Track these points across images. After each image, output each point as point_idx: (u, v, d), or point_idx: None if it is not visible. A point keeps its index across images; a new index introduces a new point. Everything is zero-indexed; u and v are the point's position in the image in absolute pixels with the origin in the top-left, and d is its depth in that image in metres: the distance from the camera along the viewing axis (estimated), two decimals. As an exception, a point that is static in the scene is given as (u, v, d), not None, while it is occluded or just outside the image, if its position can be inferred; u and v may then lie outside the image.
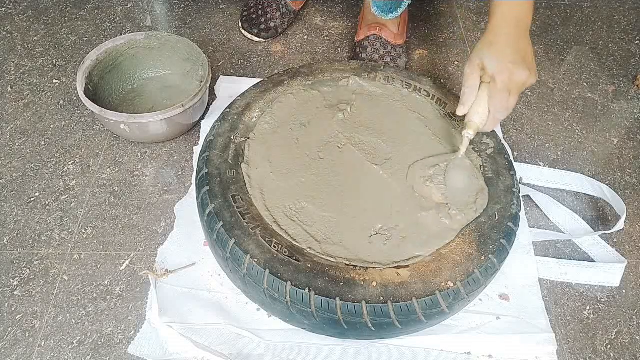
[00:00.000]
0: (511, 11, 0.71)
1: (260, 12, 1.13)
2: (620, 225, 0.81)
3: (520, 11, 0.72)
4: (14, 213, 0.82)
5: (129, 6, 1.20)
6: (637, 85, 1.11)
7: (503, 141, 0.84)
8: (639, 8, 1.31)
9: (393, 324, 0.62)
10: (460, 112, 0.74)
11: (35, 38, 1.11)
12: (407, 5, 0.99)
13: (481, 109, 0.73)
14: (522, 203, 0.77)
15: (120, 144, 0.93)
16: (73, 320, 0.71)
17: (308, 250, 0.66)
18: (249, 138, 0.78)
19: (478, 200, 0.72)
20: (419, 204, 0.72)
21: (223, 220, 0.67)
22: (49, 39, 1.11)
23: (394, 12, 1.00)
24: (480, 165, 0.77)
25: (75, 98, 0.99)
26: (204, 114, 0.96)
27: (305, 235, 0.68)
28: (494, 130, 0.82)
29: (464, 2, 1.29)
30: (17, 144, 0.92)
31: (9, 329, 0.70)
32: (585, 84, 1.11)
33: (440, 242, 0.68)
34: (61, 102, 0.99)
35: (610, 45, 1.20)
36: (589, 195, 0.90)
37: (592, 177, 0.90)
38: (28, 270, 0.76)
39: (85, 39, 1.12)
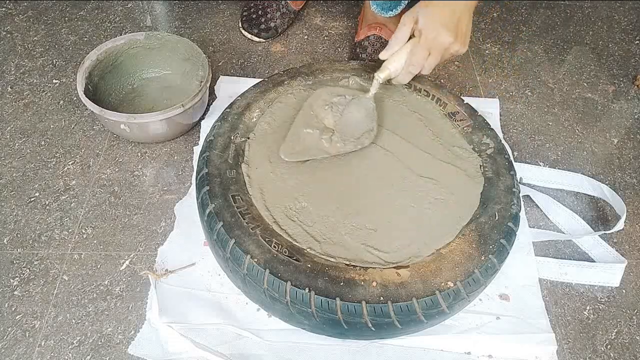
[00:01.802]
0: None
1: (260, 12, 1.13)
2: (620, 225, 0.81)
3: None
4: (14, 213, 0.82)
5: (129, 6, 1.20)
6: (637, 85, 1.11)
7: (503, 141, 0.84)
8: (639, 8, 1.31)
9: (393, 324, 0.62)
10: (382, 56, 0.77)
11: (35, 38, 1.11)
12: (406, 3, 0.99)
13: (399, 58, 0.76)
14: (522, 203, 0.77)
15: (120, 144, 0.93)
16: (73, 320, 0.71)
17: (308, 250, 0.66)
18: (249, 138, 0.78)
19: (361, 138, 0.75)
20: (308, 121, 0.75)
21: (223, 220, 0.67)
22: (49, 39, 1.11)
23: (394, 10, 1.01)
24: (480, 165, 0.77)
25: (75, 98, 0.99)
26: (204, 114, 0.96)
27: (305, 235, 0.68)
28: (493, 130, 0.82)
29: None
30: (17, 144, 0.92)
31: (9, 329, 0.70)
32: (585, 84, 1.11)
33: (440, 242, 0.68)
34: (61, 102, 0.99)
35: (610, 45, 1.20)
36: (589, 195, 0.90)
37: (592, 177, 0.90)
38: (28, 270, 0.76)
39: (85, 39, 1.12)
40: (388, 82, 0.81)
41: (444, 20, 0.71)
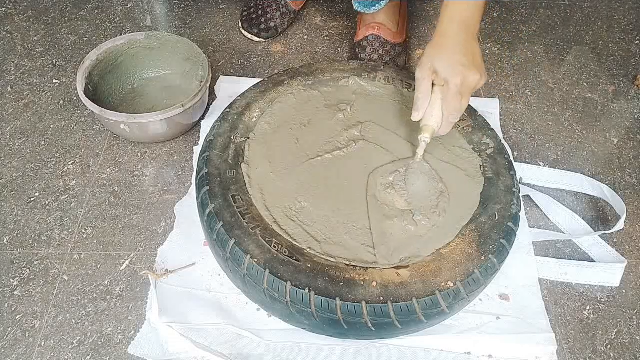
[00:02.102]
0: (460, 13, 0.71)
1: (260, 12, 1.13)
2: (620, 225, 0.81)
3: (469, 14, 0.71)
4: (14, 213, 0.82)
5: (129, 6, 1.20)
6: (637, 85, 1.11)
7: (503, 141, 0.84)
8: (639, 8, 1.31)
9: (393, 324, 0.62)
10: (415, 117, 0.74)
11: (35, 38, 1.11)
12: None
13: (435, 112, 0.72)
14: (522, 203, 0.77)
15: (120, 144, 0.93)
16: (73, 320, 0.71)
17: (308, 250, 0.66)
18: (249, 138, 0.78)
19: (440, 204, 0.72)
20: (383, 212, 0.71)
21: (223, 220, 0.67)
22: (49, 39, 1.11)
23: (376, 5, 1.01)
24: (480, 165, 0.77)
25: (75, 98, 0.99)
26: (204, 114, 0.96)
27: (305, 235, 0.68)
28: (493, 130, 0.82)
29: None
30: (17, 144, 0.92)
31: (9, 329, 0.70)
32: (585, 84, 1.11)
33: (440, 242, 0.68)
34: (61, 102, 0.99)
35: (610, 45, 1.20)
36: (589, 195, 0.90)
37: (592, 177, 0.90)
38: (28, 270, 0.76)
39: (85, 39, 1.12)
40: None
41: (464, 61, 0.69)
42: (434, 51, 0.71)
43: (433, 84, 0.72)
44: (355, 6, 1.03)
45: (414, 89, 0.87)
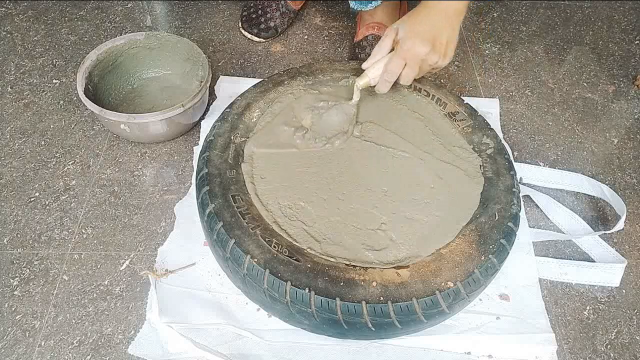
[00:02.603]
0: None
1: (260, 12, 1.13)
2: (620, 225, 0.81)
3: (449, 2, 0.74)
4: (14, 213, 0.82)
5: (129, 6, 1.20)
6: (637, 85, 1.11)
7: (503, 141, 0.84)
8: (639, 8, 1.31)
9: (393, 324, 0.62)
10: (364, 65, 0.80)
11: (35, 38, 1.11)
12: None
13: (379, 67, 0.79)
14: (522, 203, 0.77)
15: (120, 144, 0.93)
16: (73, 320, 0.71)
17: (308, 250, 0.66)
18: (248, 138, 0.78)
19: (333, 138, 0.78)
20: (287, 120, 0.80)
21: (223, 220, 0.67)
22: (49, 39, 1.11)
23: (373, 3, 1.01)
24: (480, 165, 0.77)
25: (75, 98, 0.99)
26: (204, 114, 0.96)
27: (305, 235, 0.68)
28: (493, 130, 0.82)
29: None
30: (17, 144, 0.92)
31: (9, 329, 0.70)
32: (585, 84, 1.11)
33: (440, 242, 0.68)
34: (61, 102, 0.99)
35: (610, 45, 1.20)
36: (589, 195, 0.90)
37: (592, 177, 0.90)
38: (28, 270, 0.76)
39: (85, 39, 1.12)
40: (371, 89, 0.82)
41: (421, 32, 0.73)
42: (406, 18, 0.76)
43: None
44: (352, 5, 1.03)
45: (414, 88, 0.88)
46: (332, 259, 0.65)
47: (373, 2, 1.01)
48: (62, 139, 0.93)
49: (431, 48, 0.74)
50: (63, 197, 0.85)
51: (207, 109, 0.97)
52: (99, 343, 0.69)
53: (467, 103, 0.86)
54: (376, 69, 0.79)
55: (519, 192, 0.75)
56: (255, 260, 0.63)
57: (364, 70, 0.80)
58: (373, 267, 0.65)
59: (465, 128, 0.83)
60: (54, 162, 0.90)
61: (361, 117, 0.83)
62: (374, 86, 0.81)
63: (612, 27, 1.25)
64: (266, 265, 0.63)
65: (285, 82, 0.86)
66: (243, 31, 1.14)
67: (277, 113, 0.82)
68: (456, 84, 1.08)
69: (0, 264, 0.76)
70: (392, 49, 0.78)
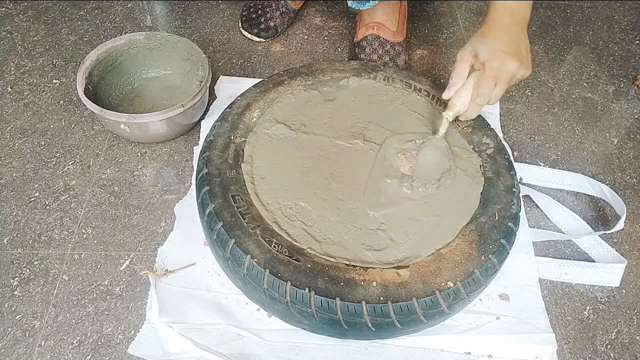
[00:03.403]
0: (508, 4, 0.72)
1: (259, 12, 1.13)
2: (620, 225, 0.81)
3: (518, 5, 0.72)
4: (14, 213, 0.82)
5: (129, 6, 1.20)
6: (637, 85, 1.11)
7: (503, 141, 0.84)
8: (639, 8, 1.31)
9: (393, 324, 0.62)
10: (445, 95, 0.77)
11: (35, 38, 1.11)
12: None
13: (465, 93, 0.75)
14: (522, 203, 0.77)
15: (120, 144, 0.93)
16: (73, 320, 0.71)
17: (308, 250, 0.66)
18: (248, 138, 0.78)
19: (442, 179, 0.75)
20: (386, 171, 0.75)
21: (223, 220, 0.67)
22: (49, 39, 1.11)
23: (371, 2, 1.00)
24: (480, 165, 0.77)
25: (75, 98, 0.99)
26: (204, 114, 0.96)
27: (305, 235, 0.68)
28: (493, 130, 0.82)
29: (464, 2, 1.29)
30: (17, 144, 0.92)
31: (9, 329, 0.70)
32: (585, 84, 1.11)
33: (440, 242, 0.68)
34: (61, 102, 0.99)
35: (610, 45, 1.20)
36: (589, 195, 0.90)
37: (592, 177, 0.90)
38: (28, 270, 0.76)
39: (85, 39, 1.12)
40: (455, 119, 0.79)
41: (506, 48, 0.70)
42: (479, 37, 0.73)
43: (472, 69, 0.74)
44: (350, 4, 1.02)
45: (414, 88, 0.88)
46: (332, 259, 0.65)
47: (371, 1, 1.01)
48: (62, 139, 0.93)
49: (519, 63, 0.71)
50: (63, 197, 0.85)
51: (207, 109, 0.97)
52: (99, 343, 0.69)
53: (467, 103, 0.86)
54: (464, 98, 0.75)
55: (519, 192, 0.75)
56: (255, 260, 0.63)
57: (446, 101, 0.77)
58: (373, 267, 0.65)
59: (465, 128, 0.83)
60: (54, 162, 0.90)
61: (361, 117, 0.83)
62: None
63: (612, 27, 1.25)
64: (266, 265, 0.63)
65: (285, 82, 0.86)
66: (243, 31, 1.14)
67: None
68: (456, 84, 1.08)
69: (0, 264, 0.76)
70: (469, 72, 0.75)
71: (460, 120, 0.81)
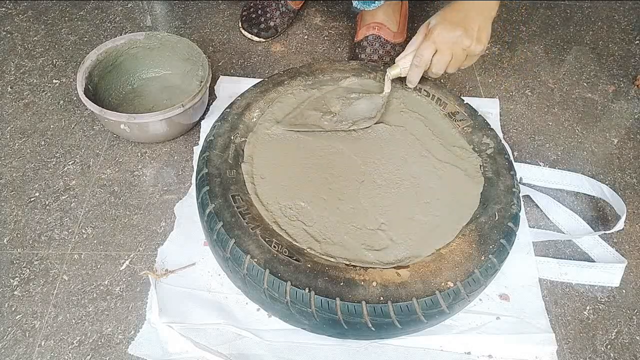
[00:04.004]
0: None
1: (259, 12, 1.13)
2: (620, 225, 0.81)
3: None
4: (14, 213, 0.82)
5: (129, 6, 1.20)
6: (637, 85, 1.11)
7: (503, 141, 0.84)
8: (639, 8, 1.31)
9: (393, 324, 0.62)
10: (397, 58, 0.82)
11: (35, 38, 1.11)
12: None
13: (410, 56, 0.80)
14: (522, 203, 0.77)
15: (120, 144, 0.93)
16: (73, 320, 0.71)
17: (308, 250, 0.66)
18: (248, 138, 0.78)
19: (359, 121, 0.80)
20: (316, 106, 0.82)
21: (223, 220, 0.67)
22: (49, 39, 1.11)
23: (376, 2, 1.00)
24: (480, 165, 0.77)
25: (75, 98, 0.99)
26: (204, 114, 0.96)
27: (305, 235, 0.68)
28: (493, 130, 0.82)
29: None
30: (17, 144, 0.92)
31: (9, 329, 0.70)
32: (585, 84, 1.11)
33: (440, 242, 0.68)
34: (61, 102, 0.99)
35: (610, 45, 1.20)
36: (589, 195, 0.90)
37: (592, 177, 0.90)
38: (28, 270, 0.76)
39: (85, 39, 1.12)
40: (401, 81, 0.84)
41: (454, 19, 0.74)
42: (439, 12, 0.77)
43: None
44: (355, 4, 1.02)
45: (414, 89, 0.88)
46: (332, 259, 0.65)
47: (376, 2, 1.01)
48: (62, 139, 0.93)
49: (463, 32, 0.73)
50: (63, 197, 0.85)
51: (207, 109, 0.97)
52: (99, 343, 0.69)
53: (467, 103, 0.86)
54: (408, 59, 0.80)
55: (519, 192, 0.75)
56: (255, 260, 0.63)
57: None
58: (373, 267, 0.64)
59: (465, 128, 0.83)
60: (54, 162, 0.90)
61: (361, 117, 0.83)
62: (405, 77, 0.82)
63: (612, 27, 1.25)
64: (266, 265, 0.63)
65: (285, 82, 0.86)
66: (243, 31, 1.14)
67: (305, 100, 0.84)
68: (456, 84, 1.08)
69: (0, 264, 0.76)
70: None
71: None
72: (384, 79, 0.83)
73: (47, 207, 0.83)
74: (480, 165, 0.77)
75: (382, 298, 0.61)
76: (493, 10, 0.77)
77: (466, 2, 0.76)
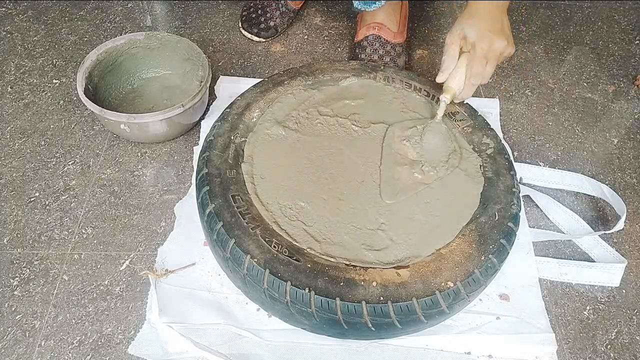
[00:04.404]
0: None
1: (259, 12, 1.13)
2: (620, 225, 0.81)
3: None
4: (14, 213, 0.82)
5: (129, 6, 1.20)
6: (637, 85, 1.11)
7: (503, 141, 0.84)
8: (639, 8, 1.31)
9: (393, 324, 0.62)
10: (439, 79, 0.79)
11: (35, 38, 1.11)
12: None
13: (459, 75, 0.77)
14: (522, 203, 0.77)
15: (120, 144, 0.93)
16: (73, 320, 0.71)
17: (308, 250, 0.66)
18: (248, 138, 0.78)
19: (450, 160, 0.77)
20: (395, 160, 0.77)
21: (223, 220, 0.67)
22: (49, 39, 1.11)
23: (377, 3, 1.01)
24: (480, 165, 0.77)
25: (75, 98, 0.99)
26: (204, 114, 0.96)
27: (305, 235, 0.68)
28: (493, 130, 0.82)
29: (464, 2, 1.28)
30: (17, 144, 0.92)
31: (9, 329, 0.70)
32: (585, 84, 1.11)
33: (440, 242, 0.68)
34: (61, 102, 0.99)
35: (610, 45, 1.20)
36: (589, 195, 0.90)
37: (592, 177, 0.90)
38: (28, 270, 0.76)
39: (85, 39, 1.12)
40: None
41: (492, 28, 0.75)
42: (465, 20, 0.76)
43: (462, 51, 0.77)
44: (355, 4, 1.02)
45: (414, 88, 0.88)
46: (332, 259, 0.65)
47: (377, 2, 1.01)
48: (62, 139, 0.93)
49: (506, 41, 0.75)
50: (63, 197, 0.85)
51: (207, 109, 0.97)
52: (99, 343, 0.69)
53: (467, 103, 0.86)
54: (457, 79, 0.77)
55: (519, 192, 0.75)
56: (255, 260, 0.63)
57: (440, 84, 0.80)
58: (373, 267, 0.65)
59: (465, 128, 0.83)
60: (54, 162, 0.90)
61: (361, 118, 0.83)
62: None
63: (612, 27, 1.25)
64: (266, 265, 0.63)
65: (285, 82, 0.86)
66: (243, 31, 1.14)
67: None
68: (456, 84, 1.08)
69: (0, 264, 0.76)
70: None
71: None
72: (437, 104, 0.81)
73: (47, 207, 0.83)
74: (480, 165, 0.77)
75: (382, 298, 0.61)
76: (507, 4, 0.78)
77: (488, 6, 0.75)
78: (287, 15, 1.15)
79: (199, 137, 0.93)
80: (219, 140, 0.76)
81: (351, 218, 0.70)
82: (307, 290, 0.61)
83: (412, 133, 0.80)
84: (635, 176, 0.95)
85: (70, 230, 0.81)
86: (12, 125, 0.95)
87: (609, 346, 0.73)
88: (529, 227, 0.84)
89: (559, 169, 0.93)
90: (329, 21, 1.21)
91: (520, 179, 0.90)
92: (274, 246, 0.65)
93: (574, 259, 0.81)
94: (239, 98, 0.83)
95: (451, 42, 0.77)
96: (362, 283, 0.62)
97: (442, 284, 0.63)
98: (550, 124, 1.03)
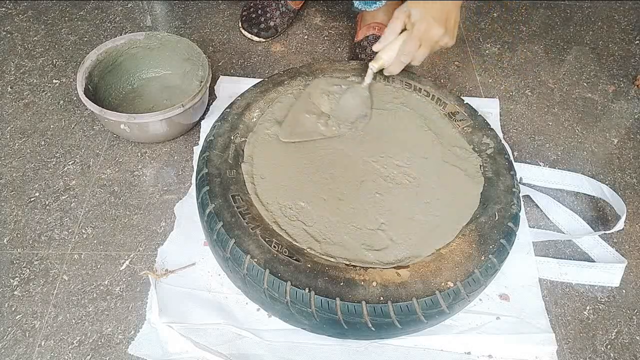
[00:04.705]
0: None
1: (259, 12, 1.13)
2: (620, 225, 0.81)
3: None
4: (14, 213, 0.82)
5: (129, 6, 1.20)
6: (637, 85, 1.11)
7: (503, 141, 0.84)
8: (639, 8, 1.31)
9: (393, 324, 0.62)
10: (375, 47, 0.82)
11: (35, 38, 1.11)
12: None
13: (392, 48, 0.80)
14: (522, 203, 0.77)
15: (120, 144, 0.93)
16: (73, 320, 0.71)
17: (308, 250, 0.66)
18: (248, 138, 0.78)
19: (356, 122, 0.81)
20: (307, 107, 0.81)
21: (223, 220, 0.67)
22: (49, 39, 1.11)
23: (377, 3, 1.01)
24: (480, 165, 0.77)
25: (75, 98, 0.99)
26: (204, 114, 0.96)
27: (305, 235, 0.68)
28: (493, 130, 0.82)
29: (464, 2, 1.28)
30: (17, 144, 0.92)
31: (9, 329, 0.70)
32: (585, 84, 1.11)
33: (440, 242, 0.68)
34: (61, 102, 0.99)
35: (610, 45, 1.20)
36: (589, 195, 0.90)
37: (592, 177, 0.90)
38: (28, 270, 0.76)
39: (85, 39, 1.12)
40: (381, 72, 0.84)
41: (435, 15, 0.76)
42: (416, 1, 0.78)
43: (405, 30, 0.80)
44: (355, 4, 1.02)
45: (414, 88, 0.88)
46: (332, 259, 0.65)
47: (377, 2, 1.01)
48: (62, 139, 0.93)
49: (444, 30, 0.77)
50: (63, 197, 0.85)
51: (207, 109, 0.97)
52: (99, 343, 0.69)
53: (467, 103, 0.86)
54: (390, 51, 0.80)
55: (519, 192, 0.75)
56: (255, 260, 0.63)
57: (376, 53, 0.82)
58: (373, 267, 0.65)
59: (465, 128, 0.83)
60: (54, 162, 0.90)
61: (355, 117, 0.83)
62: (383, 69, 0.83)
63: (612, 27, 1.25)
64: (266, 265, 0.63)
65: (285, 82, 0.86)
66: (243, 31, 1.14)
67: (293, 102, 0.83)
68: (456, 84, 1.09)
69: (0, 264, 0.76)
70: (402, 31, 0.80)
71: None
72: (365, 71, 0.83)
73: (47, 207, 0.83)
74: (480, 165, 0.77)
75: (382, 298, 0.61)
76: (461, 4, 0.80)
77: None
78: (287, 15, 1.15)
79: (199, 137, 0.93)
80: (219, 140, 0.76)
81: (351, 218, 0.70)
82: (307, 290, 0.61)
83: (335, 90, 0.84)
84: (635, 176, 0.95)
85: (70, 230, 0.81)
86: (12, 125, 0.95)
87: (609, 346, 0.73)
88: (529, 227, 0.84)
89: (559, 169, 0.93)
90: (329, 21, 1.21)
91: (520, 179, 0.90)
92: (274, 246, 0.65)
93: (574, 259, 0.81)
94: (239, 98, 0.83)
95: (397, 16, 0.79)
96: (362, 283, 0.62)
97: (442, 284, 0.63)
98: (550, 124, 1.03)
